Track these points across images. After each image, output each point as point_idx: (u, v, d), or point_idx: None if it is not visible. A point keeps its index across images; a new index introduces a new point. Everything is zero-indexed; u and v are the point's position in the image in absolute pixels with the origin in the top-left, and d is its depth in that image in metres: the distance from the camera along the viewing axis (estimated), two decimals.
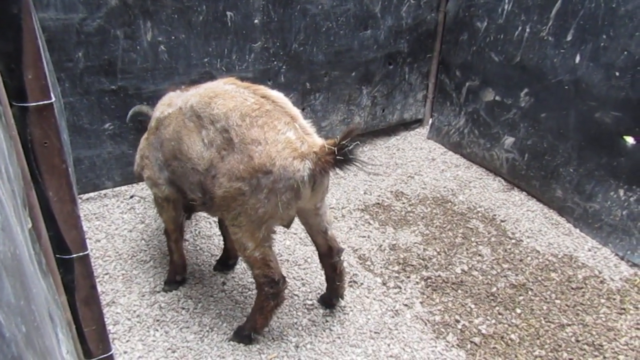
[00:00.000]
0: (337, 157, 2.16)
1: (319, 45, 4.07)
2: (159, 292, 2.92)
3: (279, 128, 2.23)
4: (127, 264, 3.13)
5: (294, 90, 4.11)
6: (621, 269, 3.21)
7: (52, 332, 1.15)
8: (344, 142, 2.14)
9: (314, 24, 3.98)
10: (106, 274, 3.04)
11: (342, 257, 2.71)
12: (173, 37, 3.53)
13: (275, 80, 4.03)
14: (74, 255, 1.45)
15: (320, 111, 4.38)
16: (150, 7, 3.38)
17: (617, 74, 3.16)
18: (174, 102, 2.66)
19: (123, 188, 3.85)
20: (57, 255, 1.43)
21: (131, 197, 3.78)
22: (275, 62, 3.98)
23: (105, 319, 2.69)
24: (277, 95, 2.41)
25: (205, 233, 3.45)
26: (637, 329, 2.74)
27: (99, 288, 2.91)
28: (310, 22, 3.95)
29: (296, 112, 2.37)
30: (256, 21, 3.75)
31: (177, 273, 2.97)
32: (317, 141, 2.27)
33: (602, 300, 2.95)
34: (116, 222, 3.50)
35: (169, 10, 3.44)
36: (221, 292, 2.94)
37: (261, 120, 2.24)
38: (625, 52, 3.09)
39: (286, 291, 2.80)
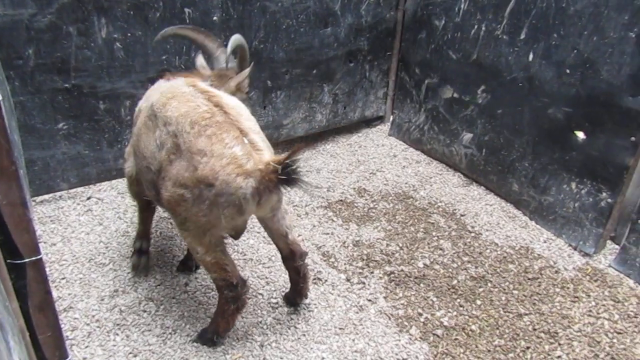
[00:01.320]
0: (280, 177, 2.11)
1: (280, 42, 4.06)
2: (118, 295, 2.85)
3: (226, 142, 2.16)
4: (85, 267, 3.04)
5: (255, 88, 4.08)
6: (574, 259, 3.34)
7: (1, 339, 1.11)
8: (288, 161, 2.09)
9: (274, 22, 3.96)
10: (63, 278, 2.95)
11: (305, 261, 2.69)
12: (129, 34, 3.45)
13: None
14: (26, 260, 1.40)
15: (282, 109, 4.36)
16: (104, 3, 3.28)
17: (568, 71, 3.28)
18: (151, 95, 2.58)
19: (79, 189, 3.73)
20: (8, 260, 1.38)
21: (88, 198, 3.67)
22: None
23: (63, 325, 2.62)
24: (234, 104, 2.36)
25: (166, 234, 3.39)
26: (590, 315, 2.86)
27: (56, 293, 2.82)
28: (270, 19, 3.93)
29: (249, 125, 2.29)
30: (215, 18, 3.70)
31: (140, 238, 2.98)
32: (265, 158, 2.19)
33: (557, 290, 3.06)
34: (72, 225, 3.40)
35: (124, 6, 3.35)
36: (184, 294, 2.89)
37: (210, 130, 2.18)
38: (575, 51, 3.21)
39: (248, 294, 2.80)
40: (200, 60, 2.93)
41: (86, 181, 3.74)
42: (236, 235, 2.55)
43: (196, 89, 2.39)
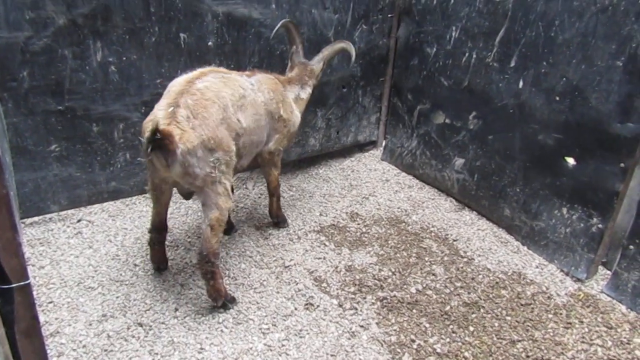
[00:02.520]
0: (148, 139, 2.38)
1: (274, 68, 4.09)
2: (107, 320, 2.80)
3: (160, 104, 2.62)
4: (73, 291, 2.99)
5: None
6: (566, 284, 3.34)
7: None
8: (159, 131, 2.36)
9: (268, 47, 4.01)
10: (50, 302, 2.90)
11: (207, 261, 2.77)
12: (124, 58, 3.47)
13: None
14: (14, 285, 1.38)
15: None
16: (100, 27, 3.31)
17: (557, 98, 3.33)
18: None
19: (70, 212, 3.70)
20: None
21: (78, 221, 3.63)
22: None
23: (49, 351, 2.57)
24: (203, 87, 2.69)
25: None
26: (583, 342, 2.85)
27: (42, 317, 2.77)
28: (264, 45, 3.98)
29: (189, 102, 2.57)
30: (210, 43, 3.75)
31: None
32: (161, 123, 2.44)
33: (550, 316, 3.05)
34: (62, 248, 3.35)
35: (120, 30, 3.39)
36: (173, 319, 2.85)
37: (165, 95, 2.71)
38: (564, 78, 3.27)
39: (239, 313, 2.77)
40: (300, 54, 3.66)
41: (77, 203, 3.71)
42: (184, 195, 2.99)
43: (207, 71, 2.88)
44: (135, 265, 3.25)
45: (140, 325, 2.78)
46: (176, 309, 2.91)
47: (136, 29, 3.44)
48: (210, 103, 2.64)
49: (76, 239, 3.46)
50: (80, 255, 3.31)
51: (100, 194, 3.79)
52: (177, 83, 2.71)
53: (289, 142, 3.59)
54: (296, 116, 3.54)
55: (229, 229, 3.66)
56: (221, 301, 2.89)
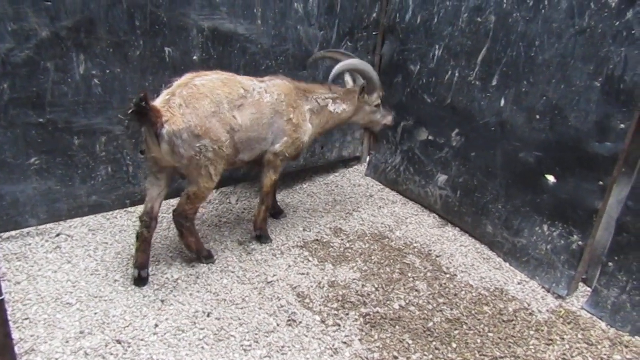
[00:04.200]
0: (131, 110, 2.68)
1: None
2: (84, 337, 2.74)
3: (163, 93, 3.00)
4: (50, 307, 2.92)
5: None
6: (548, 301, 3.36)
7: None
8: (137, 99, 2.64)
9: (254, 62, 4.03)
10: (26, 319, 2.82)
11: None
12: (108, 71, 3.46)
13: None
14: None
15: None
16: (84, 40, 3.30)
17: (538, 117, 3.39)
18: None
19: (49, 226, 3.63)
20: None
21: (57, 235, 3.57)
22: None
23: None
24: (202, 84, 3.02)
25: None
26: (564, 359, 2.86)
27: (17, 335, 2.70)
28: (250, 60, 4.00)
29: (184, 93, 2.94)
30: (195, 58, 3.75)
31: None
32: (159, 107, 2.86)
33: (532, 332, 3.06)
34: (39, 263, 3.29)
35: (104, 44, 3.38)
36: (153, 335, 2.79)
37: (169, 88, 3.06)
38: (544, 98, 3.33)
39: (221, 330, 2.73)
40: (346, 77, 3.94)
41: (56, 217, 3.65)
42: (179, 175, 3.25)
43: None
44: (115, 280, 3.20)
45: (119, 342, 2.72)
46: (156, 325, 2.86)
47: (121, 42, 3.43)
48: (203, 97, 2.97)
49: (55, 254, 3.39)
50: (59, 270, 3.24)
51: (80, 208, 3.73)
52: (182, 79, 3.05)
53: (296, 152, 3.64)
54: (308, 127, 3.62)
55: (278, 213, 4.14)
56: (193, 254, 3.40)
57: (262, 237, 3.78)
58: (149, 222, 3.14)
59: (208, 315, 2.97)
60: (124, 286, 3.15)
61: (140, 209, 3.99)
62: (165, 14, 3.52)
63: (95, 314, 2.91)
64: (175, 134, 2.85)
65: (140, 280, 3.16)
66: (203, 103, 2.97)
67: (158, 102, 2.91)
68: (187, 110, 2.90)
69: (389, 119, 3.98)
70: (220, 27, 3.78)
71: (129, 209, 3.98)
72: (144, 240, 3.16)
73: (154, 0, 3.45)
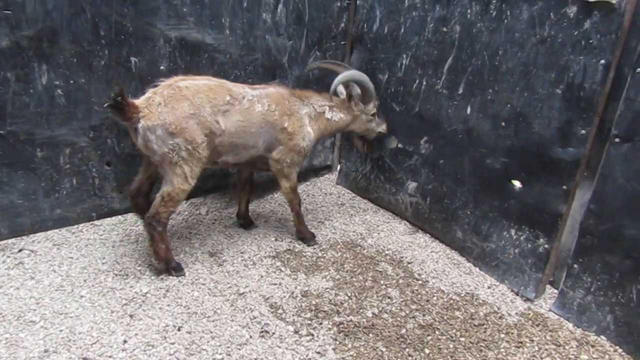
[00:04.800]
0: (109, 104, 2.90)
1: None
2: (49, 356, 2.64)
3: (148, 92, 3.16)
4: (12, 325, 2.81)
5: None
6: (517, 304, 3.43)
7: None
8: (114, 94, 2.87)
9: (222, 72, 4.00)
10: None
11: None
12: (72, 81, 3.38)
13: None
14: None
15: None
16: (46, 50, 3.22)
17: (503, 124, 3.48)
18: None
19: (10, 241, 3.51)
20: None
21: (20, 250, 3.45)
22: None
23: None
24: (186, 85, 3.16)
25: (101, 290, 3.21)
26: None
27: None
28: (218, 69, 3.97)
29: (165, 93, 3.08)
30: (162, 67, 3.70)
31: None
32: (137, 102, 3.05)
33: (502, 335, 3.11)
34: (0, 280, 3.16)
35: (67, 53, 3.30)
36: (122, 352, 2.71)
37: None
38: (509, 105, 3.42)
39: (192, 344, 2.67)
40: (340, 88, 3.93)
41: (18, 232, 3.53)
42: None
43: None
44: (82, 296, 3.10)
45: None
46: (125, 341, 2.78)
47: (84, 52, 3.36)
48: (184, 98, 3.08)
49: (17, 270, 3.27)
50: (21, 287, 3.13)
51: (44, 222, 3.62)
52: (169, 80, 3.18)
53: (298, 157, 3.71)
54: (307, 132, 3.68)
55: (249, 224, 4.12)
56: (161, 264, 3.35)
57: (304, 239, 3.99)
58: (133, 202, 3.57)
59: (178, 329, 2.91)
60: (91, 302, 3.06)
61: (107, 221, 3.91)
62: (130, 23, 3.47)
63: (61, 331, 2.81)
64: (149, 129, 3.01)
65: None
66: (182, 104, 3.07)
67: (141, 100, 3.07)
68: (165, 109, 3.03)
69: (383, 127, 4.13)
70: (187, 36, 3.74)
71: (95, 222, 3.88)
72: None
73: (118, 10, 3.40)
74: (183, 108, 3.07)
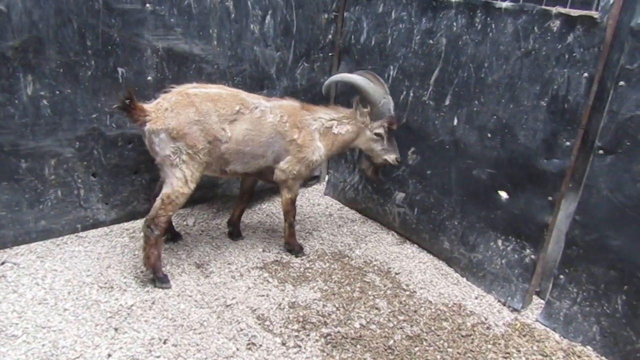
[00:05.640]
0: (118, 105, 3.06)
1: None
2: None
3: (159, 97, 3.30)
4: None
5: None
6: (504, 315, 3.44)
7: None
8: (123, 96, 3.04)
9: (209, 83, 3.99)
10: None
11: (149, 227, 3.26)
12: (57, 92, 3.35)
13: None
14: None
15: None
16: (32, 61, 3.20)
17: (489, 135, 3.51)
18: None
19: None
20: None
21: (2, 263, 3.39)
22: None
23: None
24: (194, 90, 3.31)
25: (84, 303, 3.16)
26: None
27: None
28: (205, 80, 3.96)
29: (171, 99, 3.22)
30: (150, 78, 3.69)
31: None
32: (146, 106, 3.19)
33: (489, 346, 3.11)
34: None
35: (53, 64, 3.28)
36: None
37: None
38: (495, 117, 3.45)
39: (178, 356, 2.64)
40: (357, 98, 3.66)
41: (1, 245, 3.47)
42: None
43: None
44: (65, 309, 3.05)
45: None
46: (109, 355, 2.74)
47: (71, 62, 3.35)
48: (190, 105, 3.20)
49: None
50: (3, 300, 3.07)
51: (27, 234, 3.57)
52: (181, 86, 3.32)
53: (306, 170, 3.69)
54: (317, 146, 3.66)
55: (236, 235, 4.09)
56: (149, 271, 3.38)
57: (292, 251, 3.96)
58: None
59: (164, 342, 2.87)
60: (74, 315, 3.01)
61: (92, 233, 3.87)
62: (117, 33, 3.46)
63: (43, 345, 2.76)
64: (154, 132, 3.15)
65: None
66: (187, 110, 3.18)
67: (151, 104, 3.21)
68: (171, 114, 3.16)
69: (391, 157, 3.76)
70: (174, 47, 3.74)
71: (80, 234, 3.83)
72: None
73: (105, 20, 3.39)
74: (188, 114, 3.17)
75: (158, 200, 3.25)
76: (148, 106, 3.18)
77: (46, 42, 3.22)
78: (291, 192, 3.76)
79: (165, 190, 3.25)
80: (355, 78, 3.56)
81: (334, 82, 3.59)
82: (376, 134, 3.67)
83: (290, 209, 3.83)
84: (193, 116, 3.19)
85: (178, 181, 3.23)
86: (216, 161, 3.39)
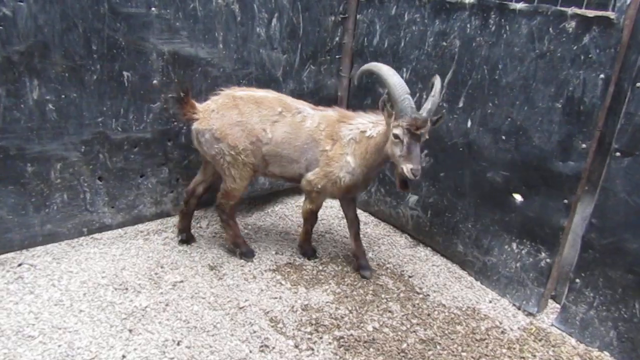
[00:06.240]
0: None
1: None
2: None
3: (211, 98, 3.56)
4: (11, 340, 2.79)
5: (196, 151, 4.06)
6: (519, 319, 3.40)
7: None
8: (180, 88, 3.37)
9: (216, 86, 3.98)
10: None
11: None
12: (63, 96, 3.38)
13: (176, 140, 3.98)
14: None
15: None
16: (37, 65, 3.22)
17: (504, 137, 3.48)
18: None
19: (9, 255, 3.50)
20: None
21: (19, 265, 3.43)
22: (175, 123, 3.93)
23: None
24: (241, 93, 3.50)
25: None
26: None
27: None
28: (211, 84, 3.97)
29: (219, 101, 3.45)
30: (155, 82, 3.72)
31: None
32: (199, 105, 3.48)
33: (504, 350, 3.08)
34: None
35: (59, 68, 3.31)
36: None
37: None
38: (509, 119, 3.42)
39: (192, 358, 2.65)
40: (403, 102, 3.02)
41: (7, 248, 3.50)
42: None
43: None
44: (81, 310, 3.08)
45: None
46: (123, 356, 2.76)
47: (76, 66, 3.37)
48: (234, 107, 3.38)
49: (16, 285, 3.26)
50: (20, 301, 3.11)
51: (33, 238, 3.59)
52: (230, 89, 3.52)
53: (332, 187, 3.48)
54: (345, 161, 3.38)
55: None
56: (230, 246, 3.86)
57: (305, 254, 3.96)
58: (187, 199, 3.84)
59: (178, 344, 2.89)
60: (90, 316, 3.04)
61: (107, 235, 3.90)
62: (122, 37, 3.49)
63: (59, 346, 2.79)
64: (199, 132, 3.40)
65: (182, 242, 3.90)
66: (231, 112, 3.37)
67: (202, 104, 3.45)
68: (216, 115, 3.36)
69: (407, 166, 2.98)
70: (180, 51, 3.76)
71: (95, 236, 3.87)
72: (183, 213, 3.88)
73: (111, 25, 3.42)
74: (231, 116, 3.35)
75: (220, 190, 3.63)
76: (199, 106, 3.41)
77: (52, 47, 3.25)
78: (313, 204, 3.67)
79: (223, 184, 3.60)
80: (380, 66, 3.11)
81: (364, 72, 3.27)
82: (394, 136, 3.04)
83: (309, 217, 3.77)
84: (235, 117, 3.34)
85: (228, 178, 3.53)
86: (260, 162, 3.51)
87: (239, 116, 3.36)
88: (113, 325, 2.99)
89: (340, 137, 3.42)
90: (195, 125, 3.40)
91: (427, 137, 3.07)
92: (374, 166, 3.41)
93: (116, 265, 3.56)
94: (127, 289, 3.33)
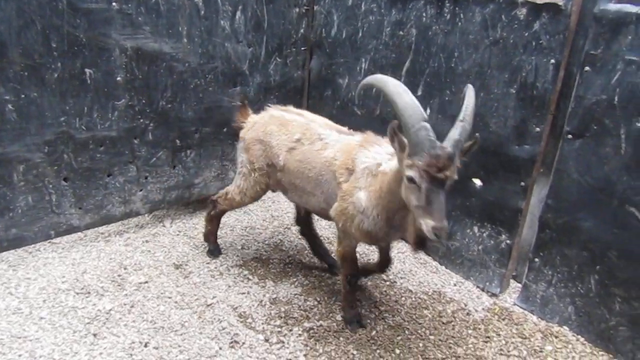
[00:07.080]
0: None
1: (188, 102, 4.03)
2: None
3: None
4: None
5: (164, 147, 3.99)
6: (483, 300, 3.50)
7: None
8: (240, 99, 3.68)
9: (182, 81, 3.94)
10: None
11: None
12: (23, 96, 3.25)
13: (143, 138, 3.88)
14: None
15: (193, 168, 4.28)
16: None
17: None
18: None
19: None
20: None
21: None
22: (141, 120, 3.83)
23: None
24: (273, 112, 3.44)
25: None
26: (501, 354, 2.98)
27: None
28: (177, 79, 3.90)
29: (258, 116, 3.50)
30: (119, 78, 3.62)
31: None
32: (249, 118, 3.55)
33: (470, 331, 3.17)
34: None
35: (17, 67, 3.17)
36: None
37: None
38: None
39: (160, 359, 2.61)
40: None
41: None
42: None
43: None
44: (41, 318, 2.98)
45: None
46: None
47: (36, 65, 3.25)
48: (263, 125, 3.33)
49: None
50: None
51: None
52: (274, 107, 3.49)
53: (350, 226, 2.79)
54: (357, 198, 2.68)
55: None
56: (204, 238, 3.92)
57: (345, 319, 3.17)
58: (301, 230, 3.82)
59: (145, 346, 2.84)
60: (51, 323, 2.95)
61: (66, 238, 3.78)
62: (83, 34, 3.37)
63: (19, 356, 2.69)
64: (240, 138, 3.49)
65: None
66: (260, 129, 3.33)
67: (252, 116, 3.53)
68: (252, 128, 3.41)
69: (427, 223, 2.23)
70: (144, 46, 3.67)
71: (54, 240, 3.74)
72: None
73: (70, 21, 3.30)
74: (258, 132, 3.32)
75: (225, 189, 3.65)
76: (250, 116, 3.50)
77: (8, 45, 3.11)
78: (340, 245, 3.02)
79: (228, 187, 3.62)
80: (385, 81, 2.37)
81: (365, 87, 2.56)
82: (408, 179, 2.27)
83: (342, 265, 3.09)
84: (261, 135, 3.30)
85: (236, 188, 3.52)
86: (277, 186, 3.40)
87: (263, 135, 3.29)
88: (76, 331, 2.90)
89: (356, 167, 2.73)
90: (240, 133, 3.49)
91: (455, 178, 2.30)
92: (395, 209, 2.55)
93: (77, 269, 3.45)
94: (89, 292, 3.24)
